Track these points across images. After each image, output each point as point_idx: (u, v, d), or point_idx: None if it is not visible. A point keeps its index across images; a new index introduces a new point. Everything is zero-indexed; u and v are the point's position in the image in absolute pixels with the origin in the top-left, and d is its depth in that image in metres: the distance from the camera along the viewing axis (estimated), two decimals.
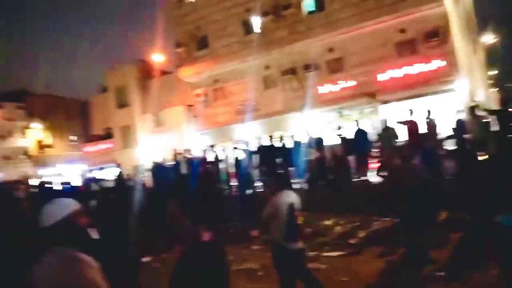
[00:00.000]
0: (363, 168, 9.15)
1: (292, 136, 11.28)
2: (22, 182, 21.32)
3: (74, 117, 40.57)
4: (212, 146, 15.60)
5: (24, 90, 41.72)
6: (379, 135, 8.33)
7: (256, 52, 20.05)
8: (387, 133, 8.18)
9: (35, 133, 38.62)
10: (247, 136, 20.13)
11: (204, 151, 13.49)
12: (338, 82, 18.37)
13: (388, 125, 8.86)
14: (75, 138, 39.62)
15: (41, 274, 2.02)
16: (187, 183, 11.96)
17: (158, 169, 12.81)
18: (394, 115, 13.34)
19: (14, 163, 36.95)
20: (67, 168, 32.12)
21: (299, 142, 10.73)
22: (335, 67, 18.65)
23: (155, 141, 24.04)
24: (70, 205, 2.15)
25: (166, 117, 24.04)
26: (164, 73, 25.03)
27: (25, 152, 39.01)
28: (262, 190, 10.25)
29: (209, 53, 21.67)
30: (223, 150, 14.54)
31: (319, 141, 10.10)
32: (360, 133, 9.88)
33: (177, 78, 23.23)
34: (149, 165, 16.09)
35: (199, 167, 13.31)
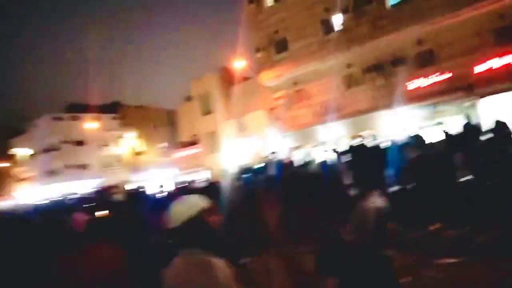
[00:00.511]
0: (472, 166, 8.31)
1: (386, 134, 10.70)
2: (119, 187, 23.24)
3: (162, 125, 43.27)
4: (298, 148, 15.60)
5: (117, 102, 45.63)
6: (491, 130, 7.52)
7: (336, 51, 19.65)
8: (501, 128, 7.37)
9: (129, 142, 41.85)
10: (330, 137, 19.80)
11: (290, 153, 13.44)
12: (430, 76, 17.24)
13: (499, 120, 8.00)
14: (164, 145, 42.17)
15: (173, 280, 1.91)
16: (276, 185, 12.02)
17: (245, 172, 13.02)
18: (496, 109, 12.13)
19: (111, 170, 40.51)
20: (158, 173, 34.25)
21: (395, 140, 10.16)
22: (426, 61, 17.51)
23: (239, 145, 24.63)
24: (199, 203, 1.98)
25: (248, 122, 24.55)
26: (245, 78, 25.59)
27: (120, 159, 42.61)
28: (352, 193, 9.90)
29: (288, 55, 21.70)
30: (307, 152, 14.38)
31: (418, 139, 9.44)
32: (469, 127, 9.00)
33: (257, 83, 23.62)
34: (236, 168, 16.51)
35: (287, 169, 13.33)
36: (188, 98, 34.82)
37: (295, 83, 21.91)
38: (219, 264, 1.86)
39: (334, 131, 19.78)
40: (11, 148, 45.66)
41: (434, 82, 16.95)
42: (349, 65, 19.75)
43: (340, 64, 19.86)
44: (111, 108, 43.07)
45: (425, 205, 8.12)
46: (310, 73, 20.92)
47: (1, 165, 46.44)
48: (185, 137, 30.90)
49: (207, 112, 27.09)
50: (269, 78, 22.51)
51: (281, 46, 21.86)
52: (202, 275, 1.82)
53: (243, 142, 24.50)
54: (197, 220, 1.90)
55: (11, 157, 45.95)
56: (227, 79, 26.51)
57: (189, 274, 1.84)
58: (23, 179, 44.06)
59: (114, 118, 42.02)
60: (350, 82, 20.10)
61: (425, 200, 8.65)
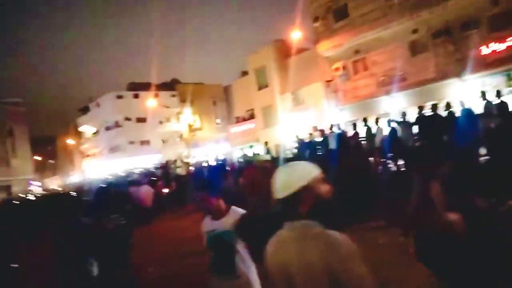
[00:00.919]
0: None
1: (460, 102, 9.73)
2: (178, 161, 23.89)
3: (218, 101, 43.66)
4: (357, 120, 14.91)
5: (175, 79, 46.62)
6: None
7: (400, 16, 18.35)
8: None
9: (186, 118, 42.80)
10: (393, 109, 18.74)
11: (354, 125, 12.81)
12: (506, 40, 15.58)
13: None
14: (219, 120, 42.68)
15: (280, 256, 1.65)
16: (336, 158, 11.59)
17: (304, 145, 12.67)
18: None
19: (170, 145, 41.82)
20: (215, 148, 34.83)
21: (471, 109, 9.24)
22: (502, 23, 15.78)
23: (295, 119, 24.19)
24: (311, 170, 1.69)
25: (305, 95, 23.93)
26: (301, 50, 24.85)
27: (178, 135, 43.81)
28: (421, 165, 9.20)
29: (348, 23, 20.62)
30: (366, 124, 13.60)
31: (501, 106, 8.47)
32: None
33: (314, 54, 22.82)
34: (294, 141, 16.20)
35: (348, 142, 12.81)
36: (244, 73, 34.72)
37: (355, 52, 20.86)
38: (341, 238, 1.57)
39: (398, 102, 18.71)
40: (79, 126, 48.60)
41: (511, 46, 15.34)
42: (415, 31, 18.36)
43: (405, 30, 18.57)
44: (169, 86, 44.10)
45: (505, 178, 7.29)
46: (372, 41, 19.80)
47: (70, 142, 49.82)
48: (240, 112, 30.93)
49: (263, 86, 26.77)
50: (327, 48, 21.63)
51: (341, 13, 20.79)
52: (320, 250, 1.54)
53: (299, 115, 24.00)
54: (309, 189, 1.63)
55: (79, 135, 48.98)
56: (283, 51, 25.90)
57: (303, 249, 1.58)
58: (89, 155, 46.92)
59: (172, 95, 43.02)
60: (416, 48, 18.74)
61: (505, 172, 7.81)
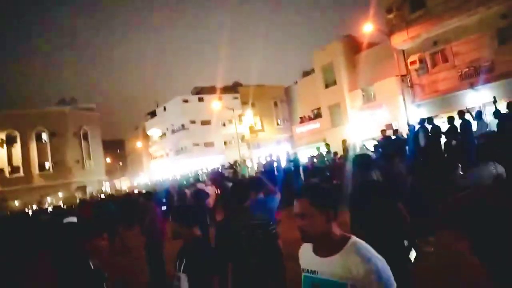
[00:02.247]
0: None
1: None
2: (240, 163, 23.77)
3: (279, 103, 43.40)
4: (436, 117, 13.71)
5: (237, 82, 47.12)
6: None
7: (487, 1, 16.78)
8: None
9: (248, 120, 42.98)
10: (478, 103, 17.15)
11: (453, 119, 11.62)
12: None
13: None
14: (280, 121, 42.38)
15: None
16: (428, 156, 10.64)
17: (387, 143, 11.78)
18: None
19: (232, 147, 42.18)
20: (276, 149, 34.46)
21: None
22: None
23: (365, 117, 23.11)
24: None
25: (376, 91, 22.74)
26: (372, 45, 23.75)
27: (241, 137, 44.11)
28: None
29: (425, 13, 19.25)
30: (445, 121, 12.37)
31: None
32: None
33: (387, 47, 21.63)
34: (375, 138, 15.33)
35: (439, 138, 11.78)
36: (306, 73, 34.08)
37: (434, 44, 19.46)
38: None
39: (483, 96, 17.11)
40: (147, 129, 50.69)
41: None
42: (504, 16, 16.68)
43: (492, 16, 16.96)
44: (232, 89, 44.62)
45: None
46: (452, 30, 18.33)
47: (138, 145, 52.11)
48: (305, 111, 30.27)
49: (330, 83, 25.89)
50: (402, 40, 20.40)
51: (417, 3, 19.49)
52: None
53: (371, 113, 22.87)
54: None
55: (146, 137, 51.08)
56: (352, 47, 24.93)
57: None
58: (156, 157, 48.67)
59: (235, 98, 43.44)
60: (505, 36, 17.01)
61: None
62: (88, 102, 46.10)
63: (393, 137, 13.71)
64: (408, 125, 15.32)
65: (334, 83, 25.53)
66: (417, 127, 12.16)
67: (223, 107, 39.47)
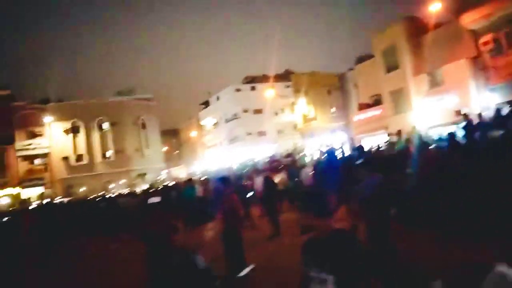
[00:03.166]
0: None
1: None
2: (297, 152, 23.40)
3: (332, 90, 42.36)
4: None
5: (289, 70, 46.53)
6: None
7: None
8: None
9: (301, 108, 42.38)
10: None
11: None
12: None
13: None
14: (335, 109, 41.39)
15: None
16: None
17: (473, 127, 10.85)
18: None
19: (285, 136, 41.87)
20: (330, 138, 33.64)
21: None
22: None
23: (432, 103, 21.83)
24: None
25: (444, 75, 21.33)
26: (438, 25, 22.25)
27: (293, 125, 43.65)
28: None
29: None
30: None
31: None
32: None
33: (455, 28, 20.18)
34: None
35: None
36: (360, 59, 32.87)
37: (510, 21, 17.88)
38: None
39: None
40: (200, 119, 51.65)
41: None
42: None
43: None
44: (283, 77, 44.14)
45: None
46: None
47: (192, 134, 53.26)
48: (363, 98, 29.18)
49: (392, 68, 24.65)
50: (473, 19, 18.95)
51: None
52: None
53: (438, 99, 21.56)
54: None
55: (200, 127, 52.09)
56: (415, 28, 23.50)
57: None
58: (210, 146, 49.49)
59: (287, 86, 42.98)
60: None
61: None
62: (145, 93, 47.60)
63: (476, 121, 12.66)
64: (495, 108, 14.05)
65: (397, 67, 24.28)
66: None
67: (276, 95, 39.18)
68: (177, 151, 61.04)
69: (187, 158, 56.60)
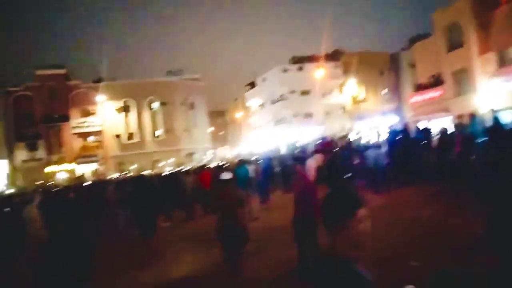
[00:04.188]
0: None
1: None
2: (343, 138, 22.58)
3: (384, 71, 40.71)
4: None
5: (337, 50, 45.12)
6: None
7: None
8: None
9: (350, 89, 41.14)
10: None
11: None
12: None
13: None
14: (386, 91, 39.84)
15: None
16: None
17: None
18: None
19: (333, 118, 40.91)
20: (380, 121, 32.38)
21: None
22: None
23: (499, 84, 20.32)
24: None
25: None
26: (507, 1, 20.50)
27: (342, 107, 42.56)
28: None
29: None
30: None
31: None
32: None
33: None
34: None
35: None
36: (413, 39, 31.11)
37: None
38: None
39: None
40: (246, 100, 51.60)
41: None
42: None
43: None
44: (332, 57, 42.88)
45: None
46: None
47: (238, 115, 53.41)
48: (422, 79, 27.69)
49: (455, 46, 23.11)
50: None
51: None
52: None
53: (507, 79, 20.01)
54: None
55: (246, 108, 52.09)
56: (482, 4, 21.79)
57: None
58: (255, 127, 49.43)
59: (335, 67, 41.78)
60: None
61: None
62: (193, 73, 47.99)
63: None
64: None
65: (460, 45, 22.72)
66: None
67: (323, 76, 38.19)
68: (223, 132, 61.65)
69: (233, 139, 57.05)
